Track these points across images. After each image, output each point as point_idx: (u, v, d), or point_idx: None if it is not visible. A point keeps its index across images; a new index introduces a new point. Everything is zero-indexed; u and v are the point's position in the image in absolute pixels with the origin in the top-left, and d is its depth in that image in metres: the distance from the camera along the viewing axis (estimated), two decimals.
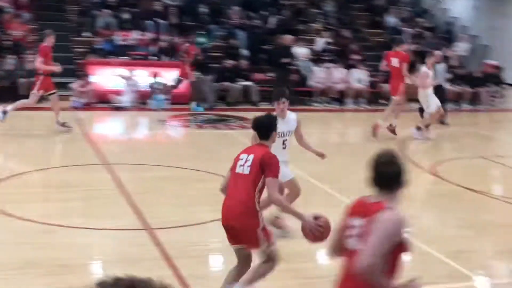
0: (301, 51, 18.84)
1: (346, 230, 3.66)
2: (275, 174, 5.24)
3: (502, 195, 10.19)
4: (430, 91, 13.78)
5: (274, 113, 6.93)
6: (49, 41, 12.53)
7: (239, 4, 20.94)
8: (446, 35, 22.98)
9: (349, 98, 18.28)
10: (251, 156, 5.28)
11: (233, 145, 12.80)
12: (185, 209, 8.31)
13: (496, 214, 9.37)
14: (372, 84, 18.76)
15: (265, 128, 5.52)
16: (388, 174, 3.58)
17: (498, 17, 23.86)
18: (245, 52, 18.63)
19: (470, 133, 14.53)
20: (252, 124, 5.70)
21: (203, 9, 20.51)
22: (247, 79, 17.68)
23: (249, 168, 5.22)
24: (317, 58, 19.01)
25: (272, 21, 20.66)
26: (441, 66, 16.11)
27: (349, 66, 18.66)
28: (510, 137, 13.86)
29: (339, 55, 19.28)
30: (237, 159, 5.37)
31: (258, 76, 18.00)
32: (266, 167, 5.20)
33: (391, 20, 22.63)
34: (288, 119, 7.27)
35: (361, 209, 3.61)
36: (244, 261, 5.43)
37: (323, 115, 17.30)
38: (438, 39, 21.99)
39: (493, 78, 19.42)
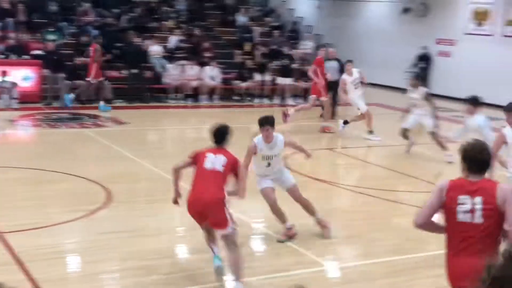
0: (154, 48, 18.86)
1: (455, 206, 4.26)
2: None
3: (347, 183, 10.85)
4: (355, 95, 14.25)
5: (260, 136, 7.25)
6: None
7: (90, 2, 20.58)
8: (292, 33, 23.95)
9: (203, 94, 18.56)
10: (222, 157, 6.03)
11: (87, 143, 12.65)
12: (38, 211, 8.17)
13: (341, 202, 10.00)
14: (225, 81, 19.15)
15: (221, 136, 6.22)
16: (485, 159, 4.36)
17: (339, 17, 25.22)
18: None
19: (317, 125, 15.26)
20: (210, 132, 6.24)
21: (52, 6, 19.95)
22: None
23: (223, 168, 5.99)
24: (171, 56, 19.12)
25: (125, 19, 20.50)
26: (334, 63, 16.80)
27: (202, 64, 18.92)
28: (353, 129, 14.67)
29: (192, 53, 19.50)
30: (203, 155, 6.07)
31: (112, 73, 17.80)
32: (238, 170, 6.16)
33: (241, 19, 23.20)
34: (274, 144, 7.27)
35: (468, 188, 4.26)
36: (210, 231, 6.23)
37: (178, 112, 17.45)
38: (285, 37, 22.86)
39: None
